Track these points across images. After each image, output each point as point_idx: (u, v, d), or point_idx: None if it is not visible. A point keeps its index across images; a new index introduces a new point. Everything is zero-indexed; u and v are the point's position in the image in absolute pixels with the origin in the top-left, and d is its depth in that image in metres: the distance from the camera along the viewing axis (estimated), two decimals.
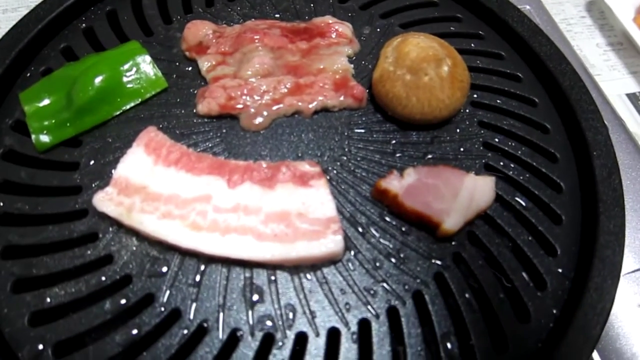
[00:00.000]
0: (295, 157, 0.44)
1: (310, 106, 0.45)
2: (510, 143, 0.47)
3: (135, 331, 0.37)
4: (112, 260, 0.39)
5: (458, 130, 0.47)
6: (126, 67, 0.45)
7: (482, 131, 0.47)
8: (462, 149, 0.46)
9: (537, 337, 0.39)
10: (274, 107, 0.44)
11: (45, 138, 0.43)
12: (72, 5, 0.52)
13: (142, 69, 0.46)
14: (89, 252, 0.40)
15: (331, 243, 0.38)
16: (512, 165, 0.46)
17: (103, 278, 0.39)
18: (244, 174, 0.40)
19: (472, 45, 0.53)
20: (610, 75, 0.83)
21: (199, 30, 0.48)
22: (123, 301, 0.38)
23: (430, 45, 0.45)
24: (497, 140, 0.47)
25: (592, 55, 0.85)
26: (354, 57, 0.50)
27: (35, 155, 0.44)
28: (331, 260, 0.39)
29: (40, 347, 0.37)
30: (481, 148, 0.46)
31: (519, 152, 0.47)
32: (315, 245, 0.38)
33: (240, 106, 0.44)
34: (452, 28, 0.54)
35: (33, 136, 0.43)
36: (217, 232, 0.38)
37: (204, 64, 0.47)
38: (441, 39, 0.48)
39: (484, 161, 0.45)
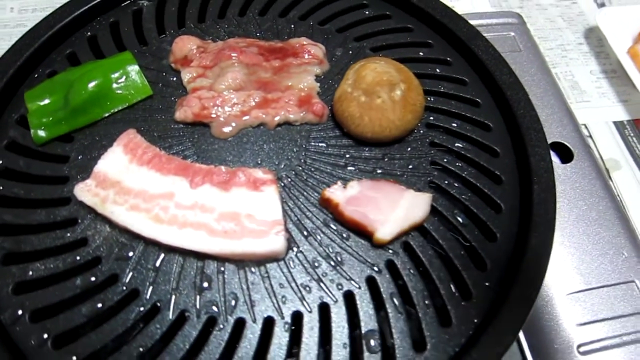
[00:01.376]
0: (255, 164, 0.49)
1: (275, 119, 0.50)
2: (457, 164, 0.51)
3: (99, 305, 0.43)
4: (87, 243, 0.46)
5: (409, 149, 0.51)
6: (117, 75, 0.51)
7: (432, 151, 0.51)
8: (410, 166, 0.50)
9: (455, 342, 0.43)
10: (242, 118, 0.50)
11: (42, 133, 0.50)
12: (79, 15, 0.58)
13: (130, 77, 0.52)
14: (68, 234, 0.46)
15: (273, 242, 0.43)
16: (456, 185, 0.50)
17: (78, 258, 0.45)
18: (205, 176, 0.46)
19: (438, 70, 0.57)
20: (600, 102, 0.85)
21: (185, 44, 0.54)
22: (92, 279, 0.44)
23: (387, 70, 0.49)
24: (445, 160, 0.51)
25: (583, 81, 0.87)
26: (323, 77, 0.55)
27: (33, 148, 0.51)
28: (274, 258, 0.44)
29: (20, 312, 0.43)
30: (428, 166, 0.50)
31: (465, 172, 0.51)
32: (259, 243, 0.43)
33: (213, 115, 0.50)
34: (421, 53, 0.58)
35: (32, 131, 0.50)
36: (175, 226, 0.44)
37: (186, 75, 0.52)
38: (402, 64, 0.52)
39: (429, 179, 0.50)
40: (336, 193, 0.46)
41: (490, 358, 0.42)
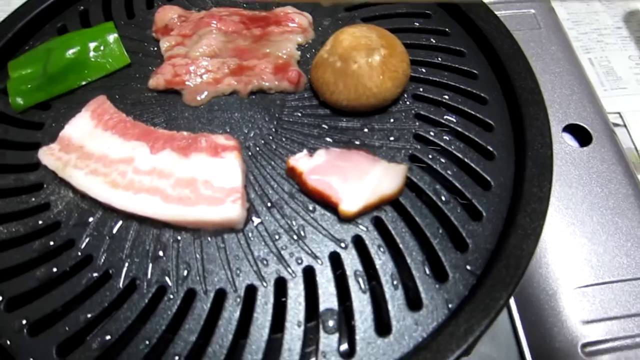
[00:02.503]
0: (223, 131, 0.47)
1: (248, 87, 0.47)
2: (445, 137, 0.47)
3: (54, 270, 0.42)
4: (49, 207, 0.45)
5: (392, 120, 0.47)
6: (96, 43, 0.51)
7: (417, 123, 0.47)
8: (391, 138, 0.47)
9: (424, 327, 0.39)
10: (215, 86, 0.48)
11: (20, 100, 0.50)
12: None
13: (109, 46, 0.51)
14: (32, 199, 0.45)
15: (229, 210, 0.41)
16: (441, 160, 0.46)
17: (39, 222, 0.44)
18: (166, 142, 0.44)
19: (433, 40, 0.53)
20: (638, 89, 0.78)
21: (166, 14, 0.53)
22: (51, 243, 0.43)
23: (365, 35, 0.46)
24: (431, 133, 0.47)
25: (620, 67, 0.80)
26: (306, 45, 0.52)
27: (13, 115, 0.51)
28: (232, 228, 0.42)
29: None
30: (411, 139, 0.46)
31: (452, 146, 0.46)
32: (213, 210, 0.41)
33: (188, 83, 0.48)
34: (416, 23, 0.54)
35: (10, 98, 0.50)
36: (130, 191, 0.42)
37: (164, 44, 0.51)
38: (387, 31, 0.49)
39: (410, 152, 0.46)
40: (301, 161, 0.43)
41: (459, 347, 0.37)
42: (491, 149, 0.46)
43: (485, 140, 0.47)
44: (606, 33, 0.84)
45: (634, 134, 0.73)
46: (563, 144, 0.58)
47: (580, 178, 0.56)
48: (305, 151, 0.44)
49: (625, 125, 0.74)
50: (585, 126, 0.59)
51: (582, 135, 0.60)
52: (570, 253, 0.52)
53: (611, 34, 0.84)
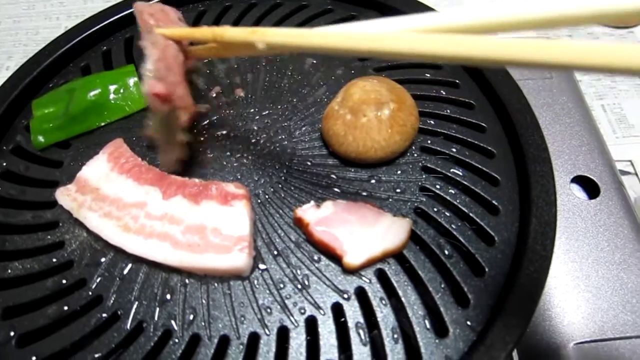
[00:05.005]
0: (234, 178, 0.48)
1: None
2: (450, 191, 0.48)
3: (65, 308, 0.43)
4: (63, 246, 0.46)
5: (399, 172, 0.49)
6: (116, 86, 0.53)
7: (423, 176, 0.48)
8: (397, 190, 0.47)
9: None
10: None
11: (41, 138, 0.52)
12: (97, 30, 0.61)
13: (129, 89, 0.53)
14: (48, 236, 0.47)
15: (236, 259, 0.42)
16: (446, 213, 0.46)
17: (54, 260, 0.46)
18: (178, 188, 0.45)
19: (444, 92, 0.54)
20: None
21: None
22: (63, 281, 0.45)
23: (375, 89, 0.47)
24: (437, 186, 0.48)
25: (633, 114, 0.81)
26: (323, 96, 0.54)
27: (34, 152, 0.53)
28: (238, 275, 0.43)
29: None
30: (417, 192, 0.47)
31: (457, 200, 0.47)
32: (221, 258, 0.42)
33: None
34: (427, 75, 0.56)
35: (32, 136, 0.52)
36: (141, 236, 0.43)
37: None
38: (399, 85, 0.50)
39: (415, 204, 0.47)
40: (308, 212, 0.44)
41: None
42: (496, 203, 0.47)
43: (490, 195, 0.48)
44: (620, 80, 0.84)
45: None
46: (571, 196, 0.58)
47: (587, 231, 0.56)
48: (312, 202, 0.45)
49: (636, 174, 0.74)
50: (594, 178, 0.59)
51: (590, 187, 0.60)
52: (572, 308, 0.52)
53: (624, 81, 0.84)
